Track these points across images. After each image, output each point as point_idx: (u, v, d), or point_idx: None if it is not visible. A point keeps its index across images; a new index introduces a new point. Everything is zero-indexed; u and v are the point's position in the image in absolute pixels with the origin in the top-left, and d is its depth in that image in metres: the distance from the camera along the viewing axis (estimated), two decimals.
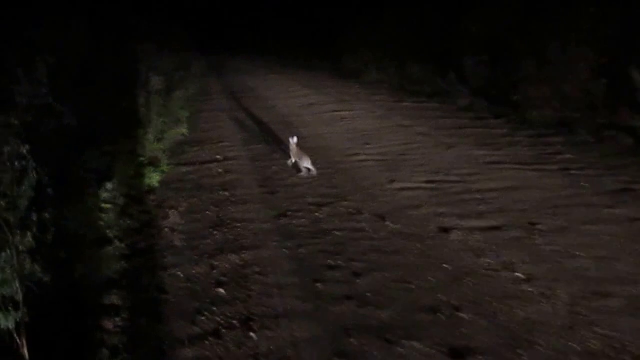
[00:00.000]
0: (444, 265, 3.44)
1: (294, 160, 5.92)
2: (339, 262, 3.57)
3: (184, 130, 8.17)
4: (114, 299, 3.22)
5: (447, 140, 6.78)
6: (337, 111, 9.37)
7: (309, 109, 9.81)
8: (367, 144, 6.79)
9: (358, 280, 3.30)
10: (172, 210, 4.74)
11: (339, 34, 18.03)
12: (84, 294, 3.24)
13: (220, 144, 7.32)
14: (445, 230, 3.99)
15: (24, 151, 2.89)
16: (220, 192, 5.23)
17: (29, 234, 2.77)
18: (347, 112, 9.19)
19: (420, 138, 7.02)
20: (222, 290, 3.26)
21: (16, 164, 2.86)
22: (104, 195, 4.74)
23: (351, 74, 15.24)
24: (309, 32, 21.01)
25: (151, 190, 5.39)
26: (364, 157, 6.16)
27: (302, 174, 5.68)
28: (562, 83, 8.02)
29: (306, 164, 5.67)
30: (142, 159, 6.23)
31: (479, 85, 10.25)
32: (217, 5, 32.69)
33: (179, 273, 3.53)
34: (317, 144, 6.84)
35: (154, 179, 5.66)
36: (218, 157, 6.60)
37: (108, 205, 4.63)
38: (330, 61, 17.71)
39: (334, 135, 7.47)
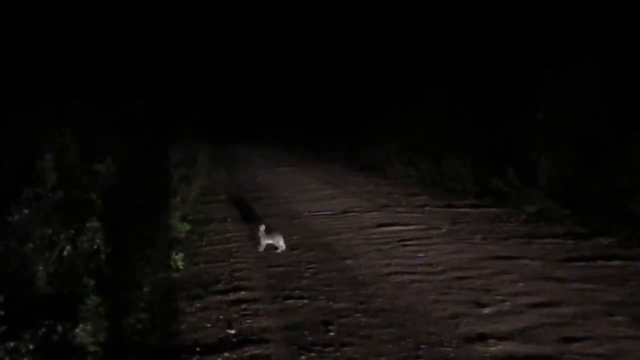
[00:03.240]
0: None
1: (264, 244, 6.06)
2: None
3: (178, 262, 5.56)
4: None
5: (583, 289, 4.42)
6: (384, 224, 7.19)
7: (345, 221, 7.62)
8: (483, 306, 4.13)
9: None
10: None
11: (355, 121, 16.35)
12: None
13: (233, 296, 4.65)
14: None
15: None
16: None
17: None
18: (400, 228, 6.99)
19: (555, 287, 4.53)
20: None
21: None
22: None
23: (371, 167, 13.35)
24: (319, 120, 19.39)
25: None
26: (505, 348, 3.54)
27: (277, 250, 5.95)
28: None
29: (280, 241, 6.00)
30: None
31: (551, 185, 8.30)
32: (224, 92, 31.43)
33: None
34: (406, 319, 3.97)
35: None
36: (231, 335, 3.85)
37: None
38: (343, 151, 15.91)
39: (423, 287, 4.65)
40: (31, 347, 3.08)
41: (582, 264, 5.15)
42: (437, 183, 10.48)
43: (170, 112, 16.71)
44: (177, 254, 5.74)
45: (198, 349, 3.64)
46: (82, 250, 4.55)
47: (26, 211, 4.53)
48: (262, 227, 6.18)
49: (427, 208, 8.35)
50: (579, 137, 8.14)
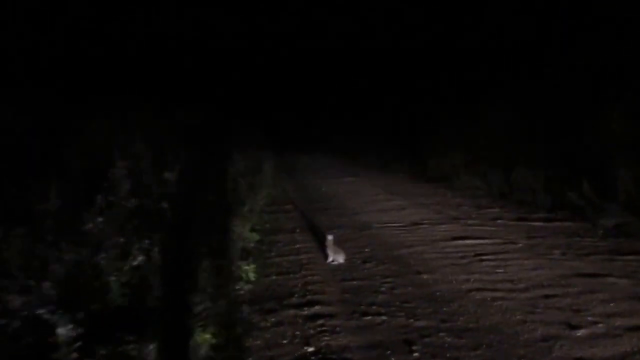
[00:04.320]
0: None
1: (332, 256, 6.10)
2: None
3: (250, 273, 5.55)
4: None
5: None
6: (457, 237, 7.00)
7: (416, 233, 7.47)
8: (576, 328, 3.91)
9: None
10: None
11: (418, 130, 16.13)
12: None
13: (308, 311, 4.56)
14: None
15: None
16: None
17: None
18: (474, 241, 6.78)
19: None
20: None
21: None
22: None
23: (437, 178, 13.11)
24: (383, 129, 19.27)
25: None
26: None
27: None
28: None
29: (340, 258, 6.07)
30: None
31: (630, 199, 7.84)
32: (285, 101, 31.78)
33: None
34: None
35: None
36: (309, 353, 3.74)
37: None
38: (408, 161, 15.71)
39: (507, 306, 4.46)
40: None
41: None
42: (506, 195, 10.17)
43: (229, 120, 16.94)
44: (248, 264, 5.77)
45: None
46: (156, 260, 4.55)
47: (100, 219, 4.57)
48: (330, 238, 6.19)
49: (499, 221, 8.10)
50: None
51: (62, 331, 3.10)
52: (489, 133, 12.24)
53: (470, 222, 8.08)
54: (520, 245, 6.54)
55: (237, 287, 5.20)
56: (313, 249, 6.84)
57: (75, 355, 3.04)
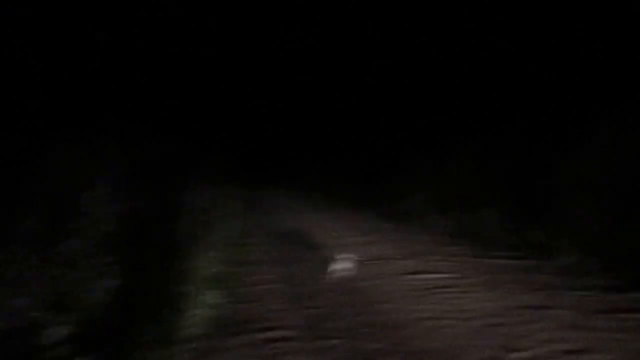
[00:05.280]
0: None
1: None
2: None
3: (214, 299, 5.84)
4: None
5: None
6: (418, 272, 7.37)
7: (378, 267, 7.82)
8: (517, 350, 4.29)
9: None
10: None
11: (385, 170, 16.60)
12: None
13: (271, 334, 4.91)
14: None
15: None
16: None
17: None
18: (433, 275, 7.13)
19: None
20: None
21: None
22: None
23: (402, 216, 13.45)
24: (348, 168, 19.75)
25: None
26: None
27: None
28: None
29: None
30: None
31: (587, 239, 8.26)
32: (258, 137, 32.20)
33: None
34: None
35: None
36: None
37: None
38: (375, 199, 16.07)
39: (456, 332, 4.81)
40: None
41: (616, 315, 5.18)
42: (469, 234, 10.52)
43: (200, 152, 16.86)
44: (212, 291, 5.99)
45: None
46: (126, 282, 4.75)
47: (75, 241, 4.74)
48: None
49: (459, 257, 8.44)
50: (619, 193, 8.13)
51: None
52: (454, 175, 12.69)
53: (431, 257, 8.38)
54: (475, 280, 6.86)
55: (202, 312, 5.38)
56: (277, 280, 7.04)
57: None
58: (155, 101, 15.54)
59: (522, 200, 9.96)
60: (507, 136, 12.05)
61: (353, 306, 5.72)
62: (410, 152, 15.78)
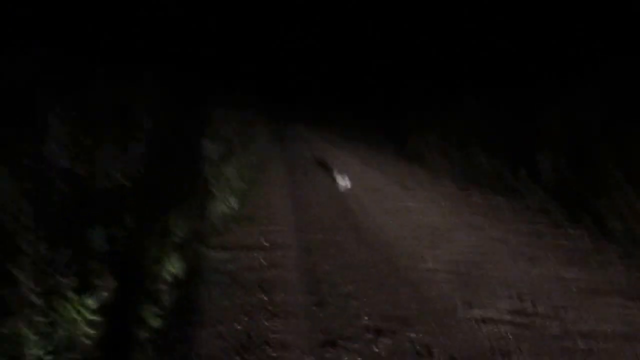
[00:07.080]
0: None
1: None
2: None
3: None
4: None
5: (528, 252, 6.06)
6: (403, 202, 8.92)
7: (373, 196, 9.37)
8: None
9: None
10: None
11: (403, 114, 17.85)
12: None
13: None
14: None
15: None
16: None
17: None
18: (417, 205, 8.72)
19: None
20: None
21: None
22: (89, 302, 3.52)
23: (412, 155, 14.83)
24: (369, 106, 21.13)
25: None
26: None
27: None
28: None
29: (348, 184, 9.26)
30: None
31: (554, 186, 9.60)
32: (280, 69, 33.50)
33: None
34: None
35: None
36: None
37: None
38: (390, 139, 17.42)
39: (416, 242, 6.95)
40: None
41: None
42: (463, 172, 11.81)
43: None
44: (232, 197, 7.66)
45: None
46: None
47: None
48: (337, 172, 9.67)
49: (445, 192, 9.86)
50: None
51: None
52: (457, 119, 13.95)
53: (419, 190, 9.84)
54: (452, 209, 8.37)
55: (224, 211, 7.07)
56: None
57: None
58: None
59: (510, 146, 11.16)
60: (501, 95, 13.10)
61: (338, 216, 7.35)
62: (422, 99, 17.01)
